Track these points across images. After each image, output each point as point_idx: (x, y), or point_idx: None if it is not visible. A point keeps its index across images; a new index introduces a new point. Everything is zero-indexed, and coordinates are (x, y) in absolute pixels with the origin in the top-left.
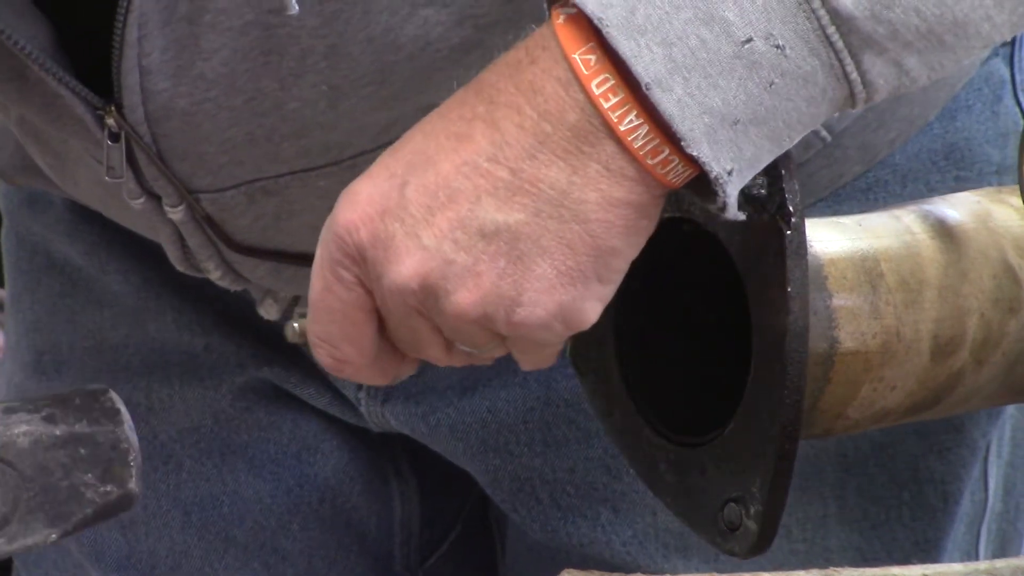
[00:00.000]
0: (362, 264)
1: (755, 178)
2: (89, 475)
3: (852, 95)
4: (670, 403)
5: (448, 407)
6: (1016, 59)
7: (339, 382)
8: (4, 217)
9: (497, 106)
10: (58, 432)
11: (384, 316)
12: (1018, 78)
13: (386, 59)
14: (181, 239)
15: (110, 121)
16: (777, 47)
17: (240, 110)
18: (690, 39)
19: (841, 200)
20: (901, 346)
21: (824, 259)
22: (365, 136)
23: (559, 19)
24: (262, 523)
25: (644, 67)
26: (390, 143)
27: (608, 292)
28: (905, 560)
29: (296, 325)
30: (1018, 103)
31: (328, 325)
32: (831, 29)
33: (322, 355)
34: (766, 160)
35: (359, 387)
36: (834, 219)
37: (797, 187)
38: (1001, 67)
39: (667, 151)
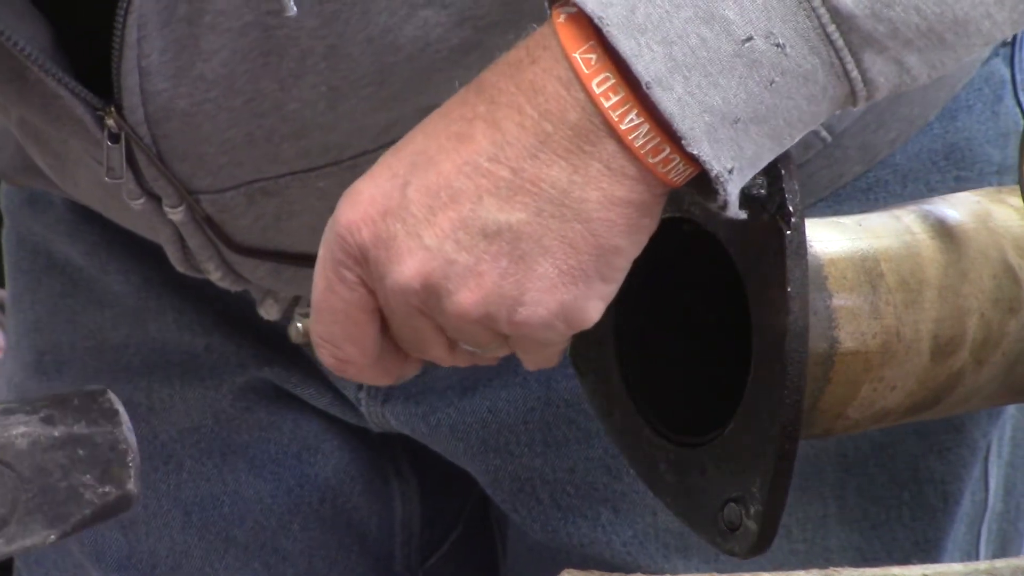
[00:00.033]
0: (364, 264)
1: (755, 178)
2: (88, 476)
3: (853, 93)
4: (670, 403)
5: (448, 407)
6: (1016, 59)
7: (339, 382)
8: (5, 217)
9: (498, 106)
10: (56, 433)
11: (387, 316)
12: (1018, 78)
13: (385, 60)
14: (181, 240)
15: (110, 122)
16: (777, 45)
17: (240, 111)
18: (690, 38)
19: (841, 200)
20: (901, 346)
21: (824, 259)
22: (365, 137)
23: (560, 18)
24: (263, 523)
25: (644, 66)
26: (390, 144)
27: (610, 291)
28: (905, 560)
29: (300, 325)
30: (1018, 103)
31: (331, 325)
32: (831, 27)
33: (325, 355)
34: (767, 158)
35: (359, 387)
36: (834, 219)
37: (797, 187)
38: (1001, 67)
39: (668, 150)
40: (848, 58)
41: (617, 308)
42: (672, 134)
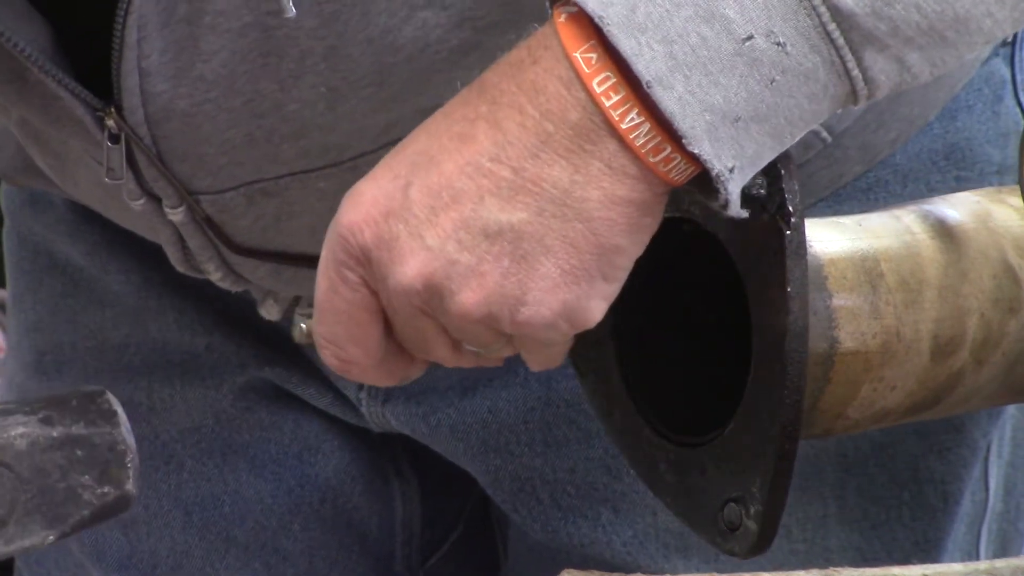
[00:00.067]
0: (367, 265)
1: (755, 178)
2: (86, 477)
3: (854, 92)
4: (670, 403)
5: (449, 407)
6: (1016, 59)
7: (340, 382)
8: (6, 217)
9: (500, 106)
10: (55, 434)
11: (390, 317)
12: (1019, 78)
13: (385, 61)
14: (181, 240)
15: (110, 122)
16: (778, 44)
17: (239, 111)
18: (691, 37)
19: (841, 200)
20: (901, 346)
21: (824, 259)
22: (364, 137)
23: (560, 18)
24: (263, 523)
25: (645, 65)
26: (389, 144)
27: (613, 290)
28: (905, 560)
29: (303, 326)
30: (1019, 103)
31: (334, 326)
32: (832, 26)
33: (328, 356)
34: (768, 157)
35: (360, 387)
36: (834, 219)
37: (797, 187)
38: (1002, 67)
39: (668, 149)
40: (849, 56)
41: (617, 308)
42: (673, 133)
